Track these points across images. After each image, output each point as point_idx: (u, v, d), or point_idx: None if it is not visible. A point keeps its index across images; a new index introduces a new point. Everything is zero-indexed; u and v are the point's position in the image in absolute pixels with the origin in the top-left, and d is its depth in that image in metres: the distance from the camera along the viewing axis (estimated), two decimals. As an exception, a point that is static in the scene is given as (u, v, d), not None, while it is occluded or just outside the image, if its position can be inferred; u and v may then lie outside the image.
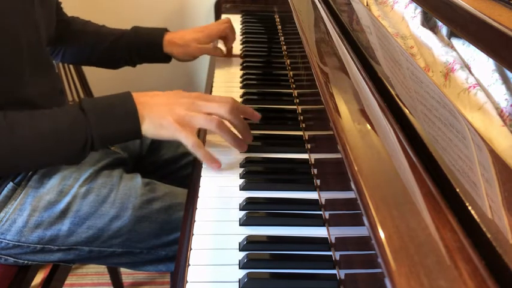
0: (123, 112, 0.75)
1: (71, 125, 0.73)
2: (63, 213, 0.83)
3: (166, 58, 1.12)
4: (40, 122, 0.73)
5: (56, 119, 0.74)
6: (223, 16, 1.59)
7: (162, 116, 0.75)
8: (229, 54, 1.22)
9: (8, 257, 0.87)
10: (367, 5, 0.85)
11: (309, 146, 0.83)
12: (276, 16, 1.48)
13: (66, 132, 0.73)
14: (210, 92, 1.06)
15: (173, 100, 0.77)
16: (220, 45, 1.21)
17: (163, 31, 1.10)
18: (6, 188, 0.83)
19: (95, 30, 1.12)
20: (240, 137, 0.80)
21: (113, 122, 0.74)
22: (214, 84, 1.10)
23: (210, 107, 0.77)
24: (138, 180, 0.89)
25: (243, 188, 0.74)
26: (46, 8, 0.88)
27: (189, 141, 0.74)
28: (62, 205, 0.83)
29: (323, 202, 0.69)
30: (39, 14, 0.85)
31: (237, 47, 1.28)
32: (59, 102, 0.94)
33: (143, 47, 1.10)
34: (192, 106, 0.76)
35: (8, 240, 0.84)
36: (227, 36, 1.17)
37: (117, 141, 0.78)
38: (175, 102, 0.76)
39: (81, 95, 1.62)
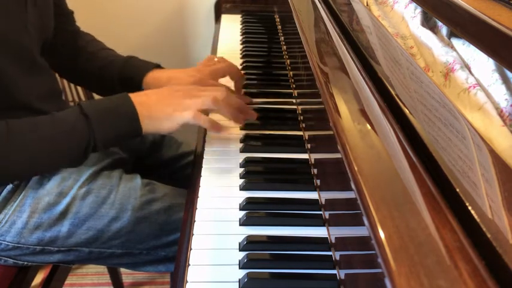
0: (123, 114, 0.76)
1: (72, 129, 0.74)
2: (63, 215, 0.83)
3: None
4: (41, 127, 0.73)
5: (57, 124, 0.74)
6: (224, 16, 1.59)
7: (161, 110, 0.77)
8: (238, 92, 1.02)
9: (8, 258, 0.86)
10: (367, 5, 0.85)
11: (309, 146, 0.83)
12: (276, 16, 1.48)
13: (68, 137, 0.74)
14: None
15: (168, 93, 0.80)
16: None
17: (151, 67, 0.99)
18: (5, 190, 0.83)
19: (92, 52, 1.04)
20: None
21: (114, 125, 0.76)
22: (214, 84, 1.09)
23: (206, 92, 0.81)
24: (137, 181, 0.89)
25: (243, 188, 0.74)
26: (40, 11, 0.86)
27: (187, 116, 0.77)
28: (61, 206, 0.83)
29: (323, 202, 0.69)
30: (32, 16, 0.83)
31: (237, 47, 1.29)
32: (58, 105, 0.93)
33: (124, 79, 1.00)
34: (187, 94, 0.79)
35: (7, 242, 0.84)
36: (230, 76, 1.00)
37: (118, 142, 0.80)
38: (171, 95, 0.79)
39: (81, 95, 1.61)
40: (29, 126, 0.73)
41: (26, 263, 0.88)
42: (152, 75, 0.98)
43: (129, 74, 1.00)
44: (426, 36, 0.65)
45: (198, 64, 1.01)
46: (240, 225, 0.67)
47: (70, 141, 0.74)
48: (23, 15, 0.81)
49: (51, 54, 0.99)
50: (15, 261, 0.87)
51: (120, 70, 1.00)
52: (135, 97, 0.78)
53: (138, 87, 0.99)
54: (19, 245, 0.84)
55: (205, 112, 0.82)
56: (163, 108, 0.78)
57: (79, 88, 1.60)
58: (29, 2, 0.83)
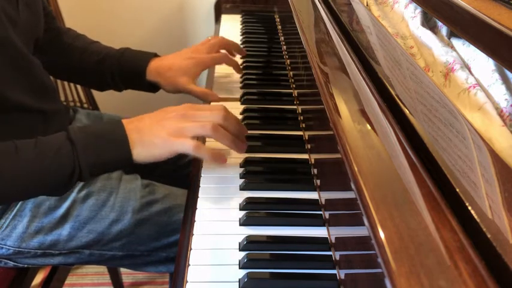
0: (113, 140, 0.70)
1: (57, 153, 0.67)
2: (63, 218, 0.83)
3: (151, 87, 1.01)
4: (25, 151, 0.67)
5: (41, 148, 0.68)
6: (224, 16, 1.59)
7: (153, 134, 0.71)
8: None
9: (8, 261, 0.87)
10: (367, 5, 0.85)
11: (309, 146, 0.83)
12: (276, 16, 1.48)
13: (52, 162, 0.67)
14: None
15: (161, 117, 0.72)
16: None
17: (150, 57, 1.00)
18: None
19: (83, 46, 1.03)
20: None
21: (102, 151, 0.69)
22: (214, 85, 1.10)
23: (203, 116, 0.73)
24: (137, 182, 0.89)
25: (243, 188, 0.74)
26: (31, 10, 0.86)
27: (187, 146, 0.70)
28: (61, 210, 0.83)
29: (323, 202, 0.69)
30: (23, 15, 0.82)
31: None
32: (53, 102, 0.92)
33: (126, 72, 1.00)
34: (183, 118, 0.72)
35: (8, 246, 0.84)
36: (228, 50, 1.08)
37: (107, 170, 0.74)
38: (164, 118, 0.72)
39: (81, 95, 1.61)
40: (11, 146, 0.67)
41: (26, 265, 0.88)
42: (154, 65, 0.99)
43: (131, 65, 0.99)
44: (426, 36, 0.65)
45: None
46: (240, 225, 0.67)
47: (52, 167, 0.67)
48: (15, 14, 0.80)
49: (40, 54, 0.98)
50: (15, 263, 0.87)
51: (120, 62, 1.00)
52: (129, 124, 0.72)
53: (140, 78, 0.99)
54: (20, 249, 0.84)
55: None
56: (156, 132, 0.71)
57: (79, 87, 1.60)
58: (20, 1, 0.82)
